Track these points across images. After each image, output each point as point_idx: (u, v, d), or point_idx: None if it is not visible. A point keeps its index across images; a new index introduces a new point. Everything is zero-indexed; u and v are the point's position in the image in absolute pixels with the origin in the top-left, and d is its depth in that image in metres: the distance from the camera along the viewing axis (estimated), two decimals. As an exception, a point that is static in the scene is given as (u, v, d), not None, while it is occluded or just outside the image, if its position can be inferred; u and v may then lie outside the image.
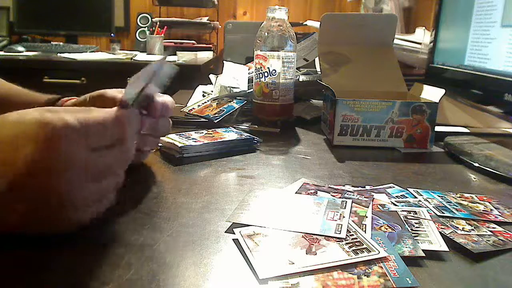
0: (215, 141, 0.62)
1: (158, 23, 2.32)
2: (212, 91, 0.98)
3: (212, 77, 1.04)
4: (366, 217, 0.40)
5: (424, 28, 1.18)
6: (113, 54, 2.25)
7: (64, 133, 0.32)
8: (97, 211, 0.35)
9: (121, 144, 0.36)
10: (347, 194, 0.46)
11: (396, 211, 0.42)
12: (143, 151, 0.53)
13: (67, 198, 0.32)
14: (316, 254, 0.33)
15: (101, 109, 0.36)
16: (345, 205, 0.42)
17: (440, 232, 0.38)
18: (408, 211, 0.42)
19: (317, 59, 1.05)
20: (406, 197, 0.46)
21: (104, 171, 0.35)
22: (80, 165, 0.32)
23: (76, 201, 0.33)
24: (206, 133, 0.66)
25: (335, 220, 0.38)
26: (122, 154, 0.37)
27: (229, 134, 0.66)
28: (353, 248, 0.34)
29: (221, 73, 0.95)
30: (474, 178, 0.56)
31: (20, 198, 0.31)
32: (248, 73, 0.94)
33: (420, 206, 0.43)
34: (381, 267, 0.31)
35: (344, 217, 0.39)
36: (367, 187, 0.49)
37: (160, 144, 0.61)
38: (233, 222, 0.39)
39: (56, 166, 0.31)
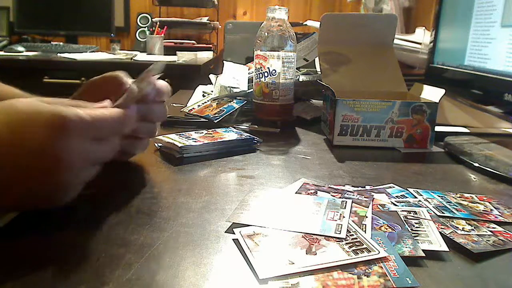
0: (215, 141, 0.62)
1: (158, 23, 2.32)
2: (212, 91, 0.98)
3: (212, 77, 1.04)
4: (366, 217, 0.40)
5: (424, 28, 1.18)
6: (113, 54, 2.25)
7: (76, 124, 0.35)
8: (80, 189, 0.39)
9: (114, 137, 0.41)
10: (347, 194, 0.46)
11: (396, 211, 0.42)
12: (140, 138, 0.52)
13: (64, 180, 0.36)
14: (316, 254, 0.33)
15: (105, 108, 0.41)
16: (345, 205, 0.42)
17: (440, 232, 0.38)
18: (408, 211, 0.42)
19: (317, 59, 1.05)
20: (406, 197, 0.46)
21: (101, 159, 0.40)
22: (83, 154, 0.37)
23: (70, 183, 0.37)
24: (206, 133, 0.66)
25: (335, 220, 0.38)
26: (113, 145, 0.41)
27: (229, 134, 0.66)
28: (353, 248, 0.34)
29: (221, 73, 0.95)
30: (474, 178, 0.56)
31: (22, 177, 0.35)
32: (248, 73, 0.94)
33: (420, 206, 0.43)
34: (381, 267, 0.31)
35: (344, 217, 0.39)
36: (367, 187, 0.49)
37: (160, 144, 0.62)
38: (233, 222, 0.39)
39: (65, 152, 0.35)
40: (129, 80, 0.50)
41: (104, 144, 0.40)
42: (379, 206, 0.43)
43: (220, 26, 2.46)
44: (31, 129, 0.35)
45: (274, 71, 0.77)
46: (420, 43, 1.10)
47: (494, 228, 0.40)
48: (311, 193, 0.46)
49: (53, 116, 0.35)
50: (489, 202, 0.46)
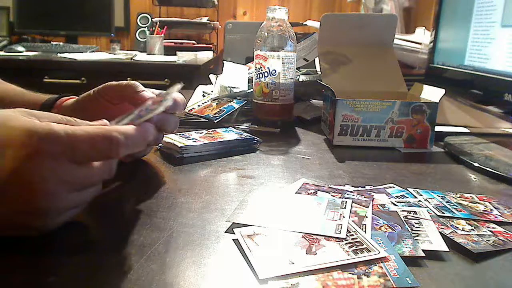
0: (215, 141, 0.62)
1: (158, 23, 2.32)
2: (212, 91, 0.98)
3: (212, 77, 1.04)
4: (366, 217, 0.40)
5: (424, 28, 1.18)
6: (113, 54, 2.25)
7: (50, 145, 0.31)
8: (67, 218, 0.35)
9: (107, 159, 0.36)
10: (347, 194, 0.46)
11: (396, 211, 0.42)
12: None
13: (42, 207, 0.32)
14: (316, 254, 0.33)
15: (93, 124, 0.37)
16: (345, 205, 0.42)
17: (440, 232, 0.38)
18: (408, 211, 0.42)
19: (317, 59, 1.05)
20: (406, 197, 0.46)
21: (85, 184, 0.35)
22: (61, 178, 0.32)
23: (51, 210, 0.33)
24: (206, 133, 0.66)
25: (335, 220, 0.38)
26: (106, 169, 0.36)
27: (229, 134, 0.66)
28: (353, 248, 0.34)
29: (221, 73, 0.95)
30: (474, 178, 0.56)
31: None
32: (248, 73, 0.94)
33: (420, 206, 0.43)
34: (381, 267, 0.31)
35: (344, 217, 0.39)
36: (367, 187, 0.49)
37: (160, 144, 0.62)
38: (233, 222, 0.39)
39: (37, 177, 0.31)
40: (145, 90, 0.50)
41: (92, 169, 0.35)
42: (379, 206, 0.43)
43: (220, 26, 2.46)
44: (4, 148, 0.31)
45: (274, 71, 0.77)
46: (420, 43, 1.10)
47: (494, 228, 0.40)
48: (311, 193, 0.46)
49: (22, 133, 0.31)
50: (489, 202, 0.46)
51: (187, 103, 0.92)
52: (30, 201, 0.31)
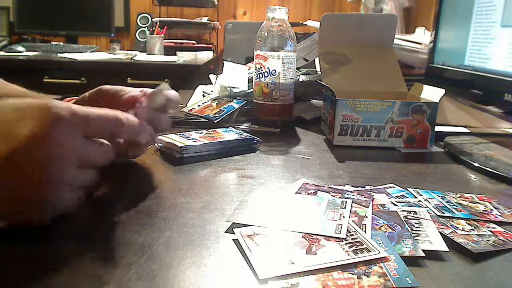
0: (215, 141, 0.62)
1: (158, 23, 2.32)
2: (212, 91, 0.98)
3: (212, 77, 1.04)
4: (366, 217, 0.40)
5: (424, 28, 1.18)
6: (113, 54, 2.25)
7: (66, 117, 0.34)
8: (68, 205, 0.36)
9: (112, 137, 0.40)
10: (347, 194, 0.46)
11: (396, 211, 0.42)
12: (139, 144, 0.52)
13: (51, 179, 0.34)
14: (316, 254, 0.33)
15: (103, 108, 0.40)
16: (345, 205, 0.42)
17: (440, 232, 0.38)
18: (408, 211, 0.42)
19: (317, 59, 1.05)
20: (406, 197, 0.46)
21: (89, 160, 0.37)
22: (72, 148, 0.35)
23: (58, 185, 0.34)
24: (206, 133, 0.66)
25: (335, 220, 0.38)
26: (107, 148, 0.40)
27: (229, 134, 0.66)
28: (353, 248, 0.34)
29: (221, 73, 0.95)
30: (474, 178, 0.56)
31: (10, 175, 0.32)
32: (248, 73, 0.94)
33: (420, 206, 0.43)
34: (381, 267, 0.31)
35: (344, 217, 0.39)
36: (367, 187, 0.49)
37: (160, 144, 0.62)
38: (233, 222, 0.39)
39: (52, 145, 0.33)
40: (128, 92, 0.52)
41: (98, 145, 0.38)
42: (379, 206, 0.43)
43: (220, 26, 2.46)
44: (16, 123, 0.33)
45: (274, 71, 0.77)
46: (420, 43, 1.10)
47: (494, 228, 0.40)
48: (311, 193, 0.46)
49: (42, 109, 0.33)
50: (489, 202, 0.46)
51: (187, 103, 0.92)
52: (40, 168, 0.33)
